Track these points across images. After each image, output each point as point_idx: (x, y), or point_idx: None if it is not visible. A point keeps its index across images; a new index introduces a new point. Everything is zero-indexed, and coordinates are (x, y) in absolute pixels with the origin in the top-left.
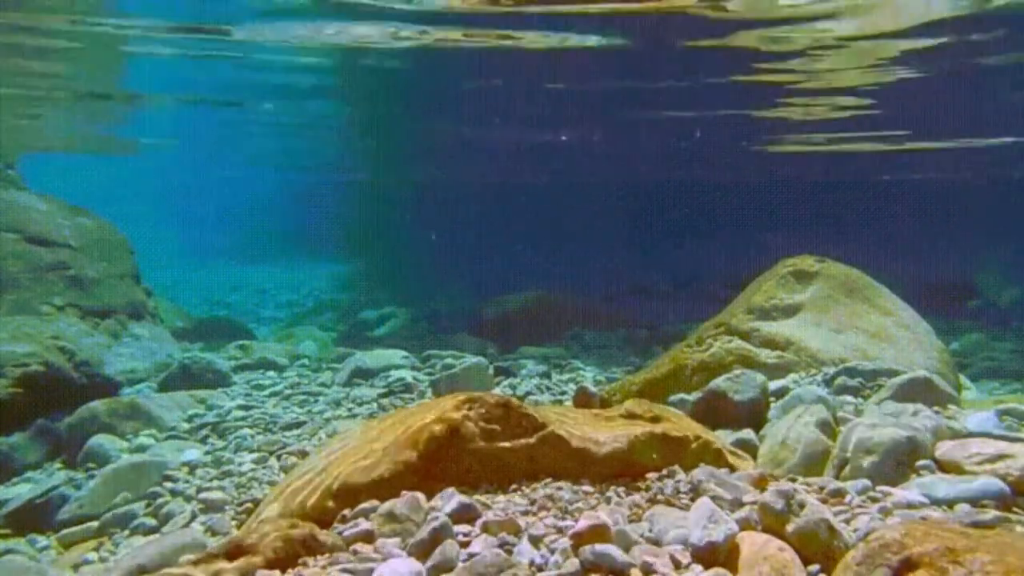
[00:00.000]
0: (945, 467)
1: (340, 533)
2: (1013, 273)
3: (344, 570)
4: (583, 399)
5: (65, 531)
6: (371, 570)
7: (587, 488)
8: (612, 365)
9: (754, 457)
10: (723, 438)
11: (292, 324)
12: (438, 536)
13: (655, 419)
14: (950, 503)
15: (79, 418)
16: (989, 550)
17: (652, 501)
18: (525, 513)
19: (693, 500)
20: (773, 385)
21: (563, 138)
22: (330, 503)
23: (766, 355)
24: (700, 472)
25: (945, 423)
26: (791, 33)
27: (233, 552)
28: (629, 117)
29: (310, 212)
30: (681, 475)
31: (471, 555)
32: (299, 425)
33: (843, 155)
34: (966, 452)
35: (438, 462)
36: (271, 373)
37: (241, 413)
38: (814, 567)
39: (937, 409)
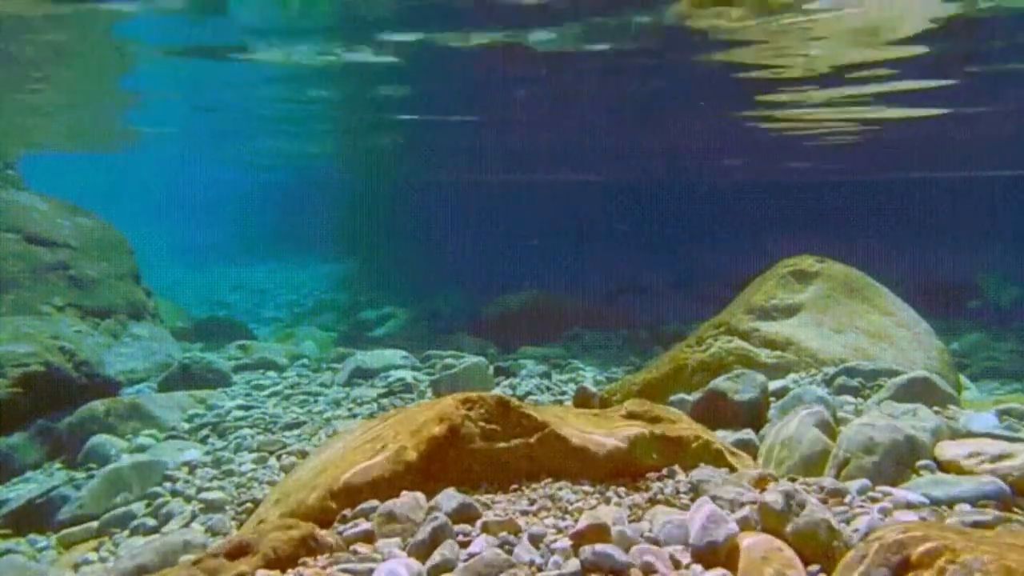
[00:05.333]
0: (945, 467)
1: (340, 533)
2: (1013, 273)
3: (344, 570)
4: (583, 399)
5: (65, 531)
6: (371, 570)
7: (587, 488)
8: (612, 365)
9: (754, 457)
10: (723, 438)
11: (292, 324)
12: (438, 536)
13: (655, 419)
14: (950, 503)
15: (79, 418)
16: (989, 550)
17: (652, 501)
18: (525, 513)
19: (693, 500)
20: (773, 385)
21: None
22: (330, 503)
23: (766, 355)
24: (700, 472)
25: (945, 423)
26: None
27: (233, 552)
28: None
29: (310, 212)
30: (681, 475)
31: (471, 555)
32: (299, 425)
33: (843, 155)
34: (966, 452)
35: (438, 462)
36: (271, 373)
37: (241, 413)
38: (814, 567)
39: (937, 409)
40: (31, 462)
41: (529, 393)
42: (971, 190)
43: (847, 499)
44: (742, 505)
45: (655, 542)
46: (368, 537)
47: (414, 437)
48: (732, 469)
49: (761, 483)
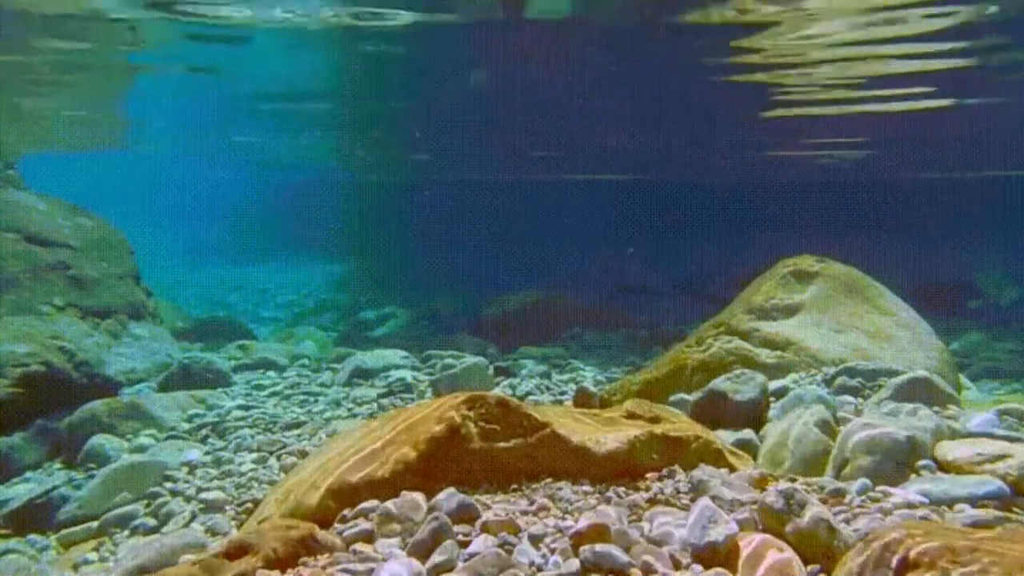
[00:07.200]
0: (945, 467)
1: (340, 533)
2: (1013, 273)
3: (344, 570)
4: (583, 399)
5: (65, 531)
6: (371, 570)
7: (587, 488)
8: (612, 365)
9: (754, 457)
10: (723, 438)
11: (292, 324)
12: (438, 536)
13: (655, 419)
14: (950, 503)
15: (79, 418)
16: (989, 550)
17: (652, 501)
18: (525, 513)
19: (693, 500)
20: (773, 385)
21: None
22: (330, 503)
23: (766, 355)
24: (700, 472)
25: (945, 423)
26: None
27: (233, 552)
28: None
29: (310, 212)
30: (681, 475)
31: (471, 555)
32: (299, 425)
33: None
34: (966, 452)
35: (438, 462)
36: (271, 373)
37: (241, 413)
38: (814, 567)
39: (937, 409)
40: (31, 462)
41: (529, 393)
42: (971, 190)
43: (847, 499)
44: (742, 505)
45: (655, 542)
46: (368, 537)
47: (414, 437)
48: (732, 469)
49: (761, 483)
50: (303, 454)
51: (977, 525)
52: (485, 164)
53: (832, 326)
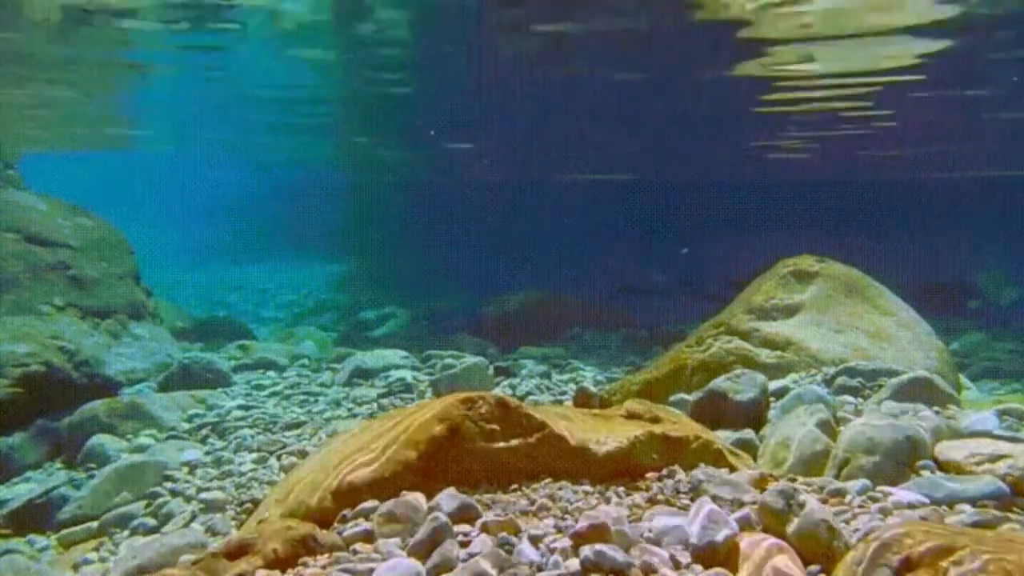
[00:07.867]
0: (945, 467)
1: (340, 533)
2: (1013, 273)
3: (344, 570)
4: (583, 399)
5: (65, 531)
6: (371, 570)
7: (587, 488)
8: (612, 365)
9: (754, 457)
10: (723, 438)
11: (292, 324)
12: (438, 536)
13: (655, 419)
14: (950, 503)
15: (79, 418)
16: (989, 550)
17: (652, 501)
18: (525, 513)
19: (693, 500)
20: (773, 385)
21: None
22: (330, 503)
23: (766, 355)
24: (700, 472)
25: (945, 423)
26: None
27: (233, 552)
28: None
29: (310, 211)
30: (681, 475)
31: (471, 555)
32: (299, 425)
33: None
34: (966, 452)
35: (438, 462)
36: (271, 373)
37: (241, 413)
38: (814, 567)
39: (937, 409)
40: (31, 462)
41: (529, 393)
42: (971, 190)
43: (847, 499)
44: (742, 505)
45: (655, 542)
46: (368, 537)
47: (414, 437)
48: (732, 469)
49: (761, 483)
50: (303, 454)
51: (977, 525)
52: (485, 164)
53: (832, 326)
